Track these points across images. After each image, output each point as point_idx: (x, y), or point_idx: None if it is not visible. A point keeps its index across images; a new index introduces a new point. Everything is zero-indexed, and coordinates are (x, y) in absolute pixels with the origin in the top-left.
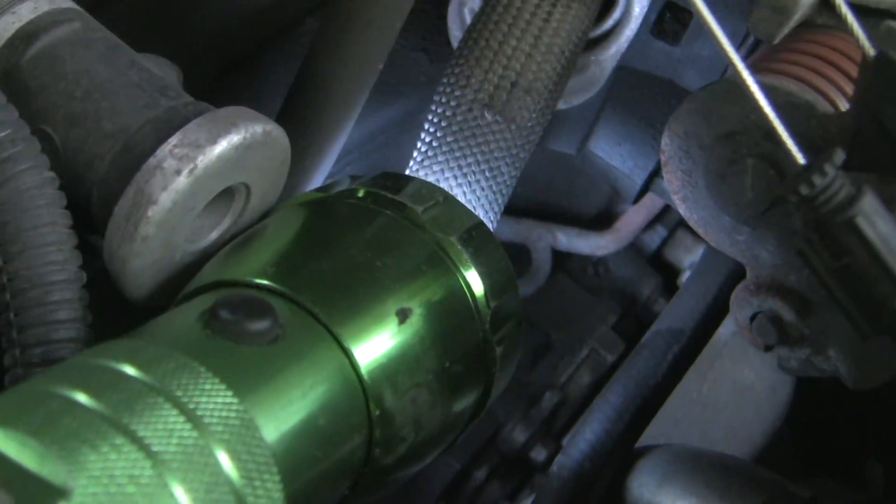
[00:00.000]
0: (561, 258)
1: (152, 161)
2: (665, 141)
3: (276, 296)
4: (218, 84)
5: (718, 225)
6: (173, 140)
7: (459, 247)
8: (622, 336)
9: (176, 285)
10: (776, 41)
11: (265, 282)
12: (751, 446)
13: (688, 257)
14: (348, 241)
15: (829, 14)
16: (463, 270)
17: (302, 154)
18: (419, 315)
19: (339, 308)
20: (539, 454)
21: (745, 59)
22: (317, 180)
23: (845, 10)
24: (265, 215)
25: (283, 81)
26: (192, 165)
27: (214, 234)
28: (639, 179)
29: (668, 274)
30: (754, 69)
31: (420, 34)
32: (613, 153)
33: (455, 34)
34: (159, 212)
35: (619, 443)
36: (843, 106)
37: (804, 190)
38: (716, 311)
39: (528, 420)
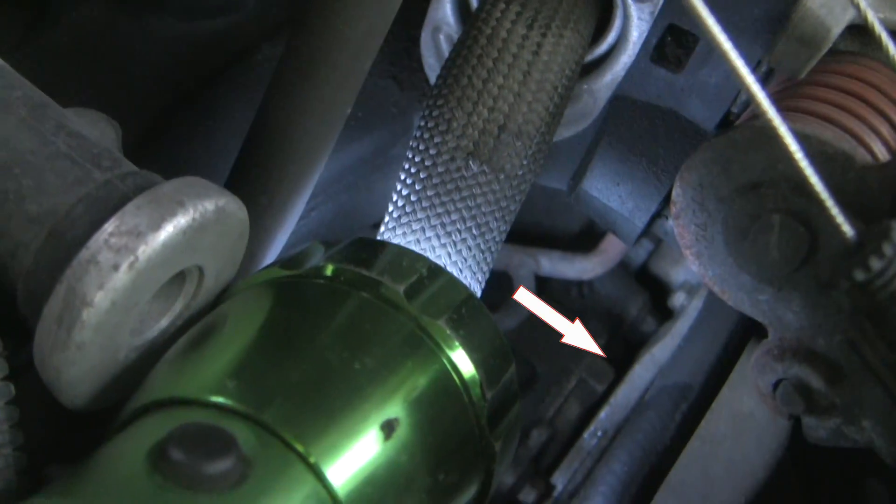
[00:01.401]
0: (542, 279)
1: (85, 253)
2: (677, 191)
3: (238, 418)
4: (167, 120)
5: (737, 283)
6: (109, 227)
7: (449, 331)
8: (611, 362)
9: (122, 385)
10: (802, 76)
11: (224, 400)
12: (753, 480)
13: (675, 270)
14: (320, 338)
15: (854, 38)
16: (455, 361)
17: (262, 213)
18: (407, 425)
19: (314, 429)
20: (528, 496)
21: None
22: (279, 241)
23: (886, 39)
24: (222, 293)
25: (239, 116)
26: (131, 258)
27: (164, 322)
28: (640, 223)
29: (654, 289)
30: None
31: (388, 59)
32: (611, 194)
33: (430, 62)
34: (95, 315)
35: None
36: (882, 154)
37: (860, 276)
38: (726, 362)
39: (515, 461)
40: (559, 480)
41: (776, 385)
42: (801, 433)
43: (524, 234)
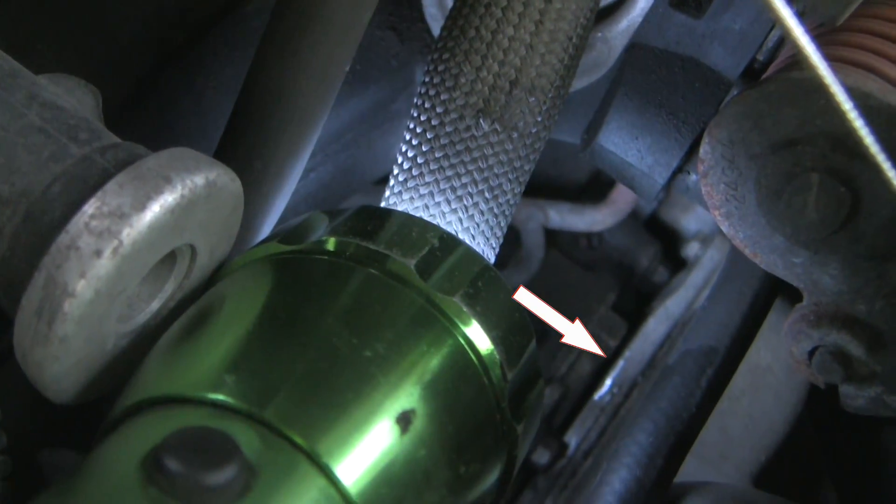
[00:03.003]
0: (551, 231)
1: (64, 238)
2: (705, 148)
3: (239, 417)
4: (152, 79)
5: (770, 245)
6: (89, 208)
7: (465, 308)
8: (623, 315)
9: (112, 375)
10: (838, 24)
11: (222, 398)
12: (772, 437)
13: (685, 218)
14: (326, 322)
15: None
16: (473, 341)
17: (258, 179)
18: (425, 416)
19: (323, 427)
20: (541, 457)
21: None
22: (277, 207)
23: None
24: (217, 270)
25: (230, 73)
26: (115, 243)
27: (155, 304)
28: (660, 178)
29: (665, 238)
30: None
31: (387, 9)
32: (629, 148)
33: (431, 11)
34: (78, 306)
35: (653, 490)
36: None
37: None
38: (751, 323)
39: None
40: (572, 439)
41: (812, 352)
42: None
43: (530, 185)
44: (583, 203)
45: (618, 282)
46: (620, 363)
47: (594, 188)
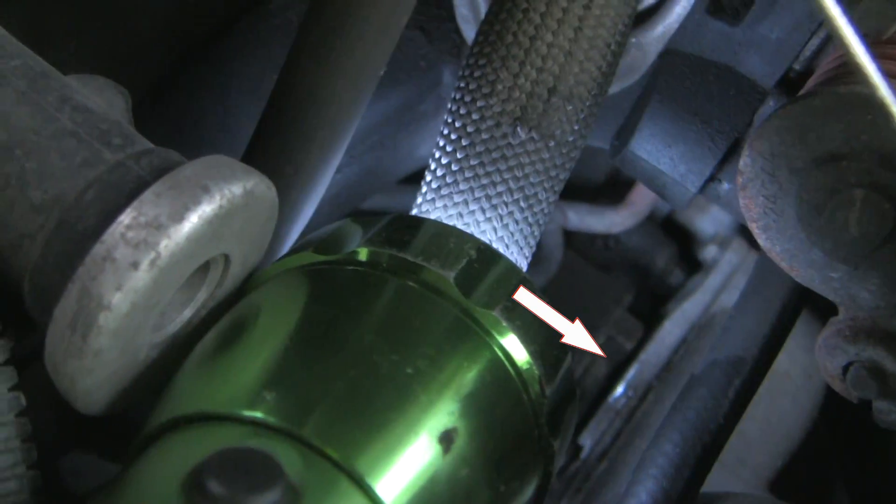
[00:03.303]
0: (566, 231)
1: (99, 249)
2: (745, 160)
3: (280, 436)
4: (174, 76)
5: (808, 260)
6: (125, 218)
7: (504, 322)
8: (639, 317)
9: (143, 385)
10: (886, 37)
11: (262, 416)
12: (789, 442)
13: (701, 220)
14: (366, 338)
15: None
16: (512, 354)
17: (288, 185)
18: (466, 434)
19: (367, 448)
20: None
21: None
22: (306, 214)
23: None
24: (248, 278)
25: (253, 72)
26: (152, 255)
27: (188, 313)
28: (692, 187)
29: (681, 240)
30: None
31: (416, 8)
32: (661, 156)
33: (462, 12)
34: (114, 319)
35: (680, 502)
36: None
37: None
38: (779, 332)
39: None
40: (587, 441)
41: (846, 367)
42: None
43: None
44: (601, 204)
45: (634, 283)
46: (636, 366)
47: (612, 189)
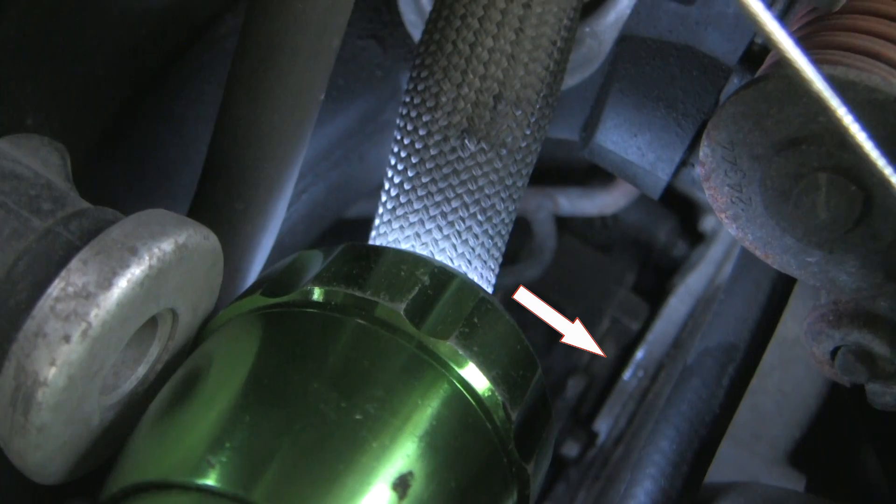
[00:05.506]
0: (562, 219)
1: (31, 324)
2: (705, 151)
3: (228, 501)
4: (132, 107)
5: (781, 246)
6: (53, 290)
7: (460, 350)
8: (643, 295)
9: (103, 448)
10: (836, 8)
11: (213, 483)
12: (806, 411)
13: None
14: (313, 387)
15: None
16: (471, 383)
17: (240, 220)
18: (423, 475)
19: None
20: (571, 449)
21: (794, 36)
22: (264, 246)
23: None
24: (204, 325)
25: (208, 98)
26: (83, 326)
27: (141, 370)
28: (664, 175)
29: (682, 210)
30: (809, 47)
31: (366, 17)
32: (629, 146)
33: (410, 18)
34: (52, 394)
35: (680, 499)
36: None
37: None
38: (772, 314)
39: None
40: (601, 427)
41: (834, 352)
42: None
43: (536, 171)
44: (592, 186)
45: (636, 261)
46: (644, 347)
47: (603, 169)
